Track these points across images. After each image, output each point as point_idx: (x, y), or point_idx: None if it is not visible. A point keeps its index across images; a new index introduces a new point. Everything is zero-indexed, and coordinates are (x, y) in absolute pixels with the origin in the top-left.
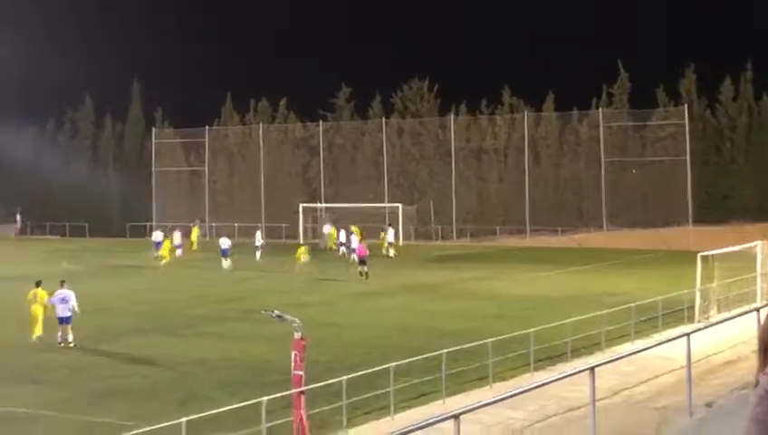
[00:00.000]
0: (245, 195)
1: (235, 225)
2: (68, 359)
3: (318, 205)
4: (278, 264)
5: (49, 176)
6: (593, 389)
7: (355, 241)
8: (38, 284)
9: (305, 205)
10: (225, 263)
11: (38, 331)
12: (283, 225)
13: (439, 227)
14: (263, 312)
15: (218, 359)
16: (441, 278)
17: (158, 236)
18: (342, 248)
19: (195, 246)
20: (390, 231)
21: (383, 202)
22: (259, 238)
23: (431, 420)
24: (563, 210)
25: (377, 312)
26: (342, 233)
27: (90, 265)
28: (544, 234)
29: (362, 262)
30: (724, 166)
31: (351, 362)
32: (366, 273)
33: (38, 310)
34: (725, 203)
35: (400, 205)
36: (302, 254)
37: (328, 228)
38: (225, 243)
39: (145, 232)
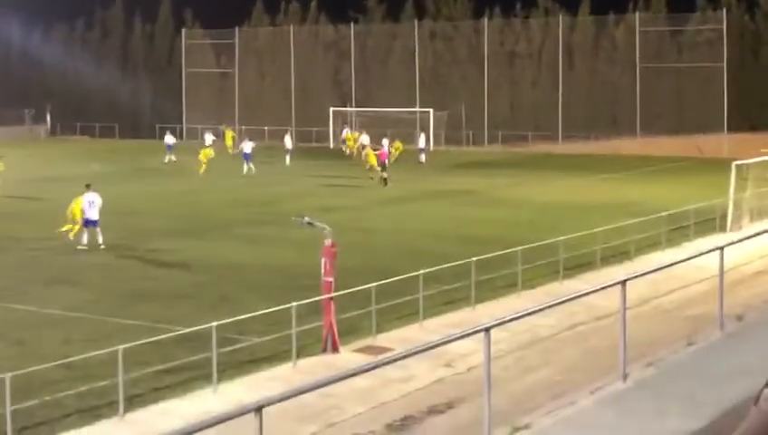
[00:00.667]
0: (275, 98)
1: (265, 128)
2: (99, 261)
3: (348, 108)
4: (305, 167)
5: (79, 77)
6: (624, 303)
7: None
8: (88, 186)
9: (335, 108)
10: (246, 167)
11: (74, 229)
12: (314, 129)
13: (471, 132)
14: (293, 218)
15: (249, 262)
16: (471, 185)
17: (169, 139)
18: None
19: (231, 150)
20: (422, 136)
21: (414, 107)
22: (288, 142)
23: (461, 334)
24: (597, 117)
25: (406, 217)
26: (365, 140)
27: (120, 166)
28: (577, 140)
29: (383, 167)
30: (761, 72)
31: (381, 268)
32: (385, 179)
33: (77, 211)
34: (762, 111)
35: (431, 110)
36: (370, 156)
37: (345, 132)
38: (247, 147)
39: (175, 134)
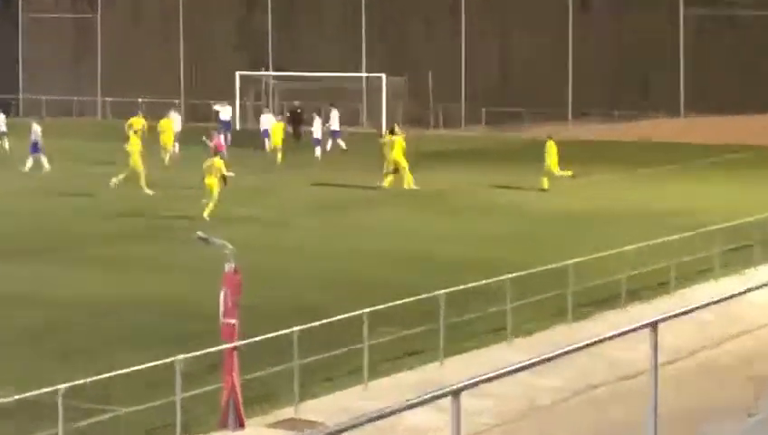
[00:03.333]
0: (156, 59)
1: (140, 100)
2: None
3: (264, 73)
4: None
5: None
6: (656, 355)
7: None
8: None
9: (244, 73)
10: (30, 162)
11: None
12: (213, 102)
13: (440, 108)
14: (198, 233)
15: (113, 297)
16: (443, 184)
17: None
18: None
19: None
20: (334, 114)
21: (360, 71)
22: (176, 121)
23: (418, 399)
24: (623, 86)
25: (345, 232)
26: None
27: None
28: (594, 120)
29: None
30: None
31: (307, 305)
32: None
33: None
34: None
35: (384, 75)
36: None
37: (268, 121)
38: (36, 132)
39: (7, 110)
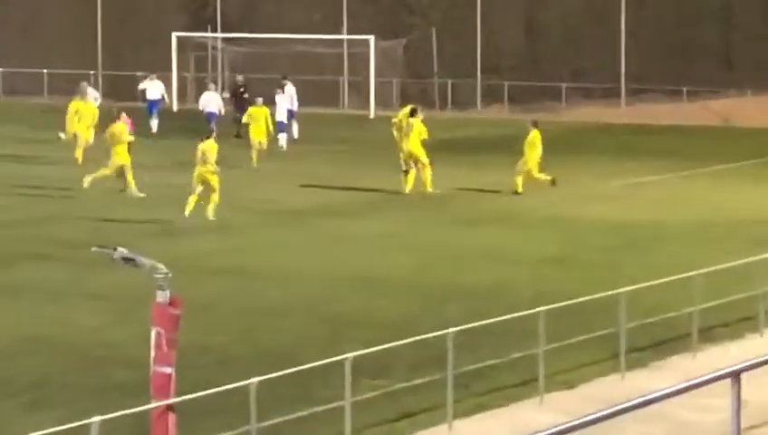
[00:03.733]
0: (66, 16)
1: (44, 72)
2: None
3: (209, 35)
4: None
5: None
6: (739, 416)
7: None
8: None
9: (182, 34)
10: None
11: None
12: (140, 74)
13: (449, 84)
14: (93, 249)
15: (4, 337)
16: (452, 183)
17: None
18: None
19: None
20: (288, 91)
21: (340, 33)
22: (92, 94)
23: None
24: (691, 55)
25: (328, 246)
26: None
27: None
28: (653, 99)
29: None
30: None
31: (270, 347)
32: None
33: None
34: None
35: (372, 37)
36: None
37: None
38: None
39: None
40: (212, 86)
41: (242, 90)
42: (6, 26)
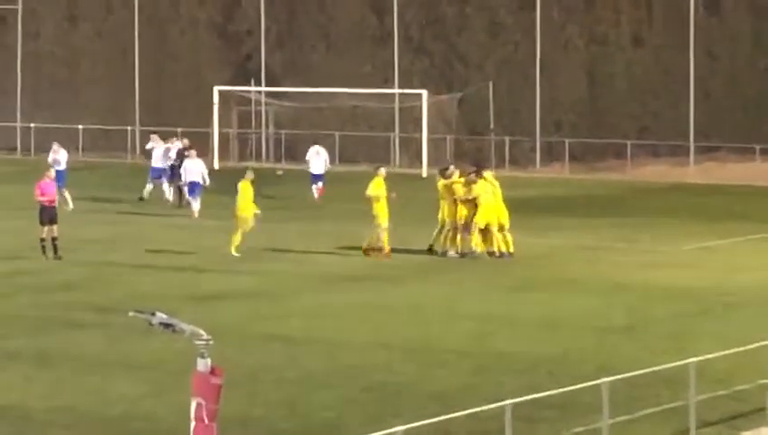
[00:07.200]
0: (102, 68)
1: (79, 127)
2: None
3: (253, 88)
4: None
5: None
6: None
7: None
8: None
9: (225, 88)
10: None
11: None
12: (180, 130)
13: (506, 140)
14: (131, 313)
15: (35, 405)
16: (504, 247)
17: None
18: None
19: None
20: (319, 153)
21: (390, 86)
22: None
23: None
24: (765, 110)
25: (376, 314)
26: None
27: None
28: (724, 157)
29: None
30: None
31: (317, 422)
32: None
33: None
34: None
35: (424, 92)
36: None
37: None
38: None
39: None
40: (174, 140)
41: (185, 151)
42: (40, 80)
